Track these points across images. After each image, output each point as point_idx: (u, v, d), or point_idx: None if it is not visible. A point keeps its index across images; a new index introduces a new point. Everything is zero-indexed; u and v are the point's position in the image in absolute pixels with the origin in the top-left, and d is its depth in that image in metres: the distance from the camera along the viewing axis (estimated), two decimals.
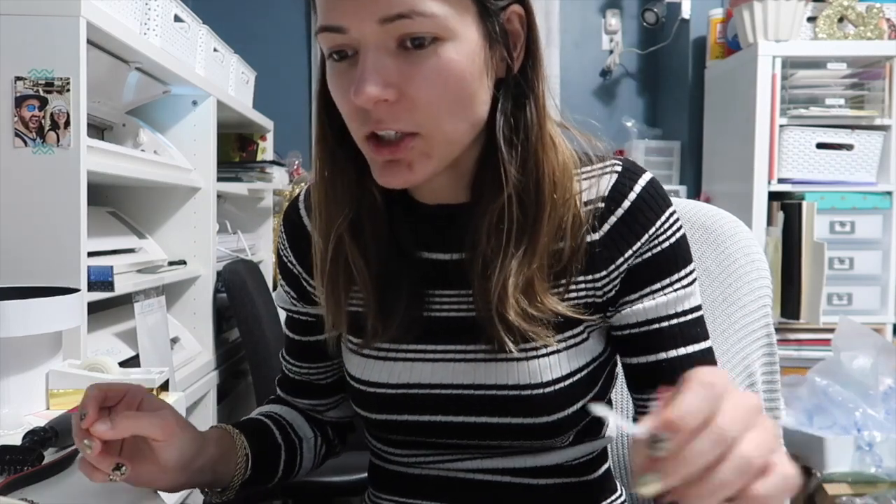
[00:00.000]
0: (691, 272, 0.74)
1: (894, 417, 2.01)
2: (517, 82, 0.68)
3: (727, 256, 0.94)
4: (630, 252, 0.72)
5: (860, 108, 2.38)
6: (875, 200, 2.38)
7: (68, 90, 1.21)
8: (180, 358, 1.79)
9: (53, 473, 0.76)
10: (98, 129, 1.72)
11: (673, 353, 0.73)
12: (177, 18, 1.71)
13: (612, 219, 0.71)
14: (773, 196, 2.37)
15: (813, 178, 2.38)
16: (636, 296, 0.73)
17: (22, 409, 0.96)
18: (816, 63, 2.39)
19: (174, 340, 1.81)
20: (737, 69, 2.51)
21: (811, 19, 2.41)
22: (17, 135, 1.21)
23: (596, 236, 0.72)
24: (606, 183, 0.72)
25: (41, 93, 1.21)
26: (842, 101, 2.38)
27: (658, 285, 0.73)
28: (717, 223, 0.96)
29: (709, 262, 0.95)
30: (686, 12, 2.87)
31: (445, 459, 0.78)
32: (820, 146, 2.37)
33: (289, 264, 0.83)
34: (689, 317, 0.74)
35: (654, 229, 0.72)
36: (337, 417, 0.90)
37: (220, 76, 2.12)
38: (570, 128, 0.74)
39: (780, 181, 2.37)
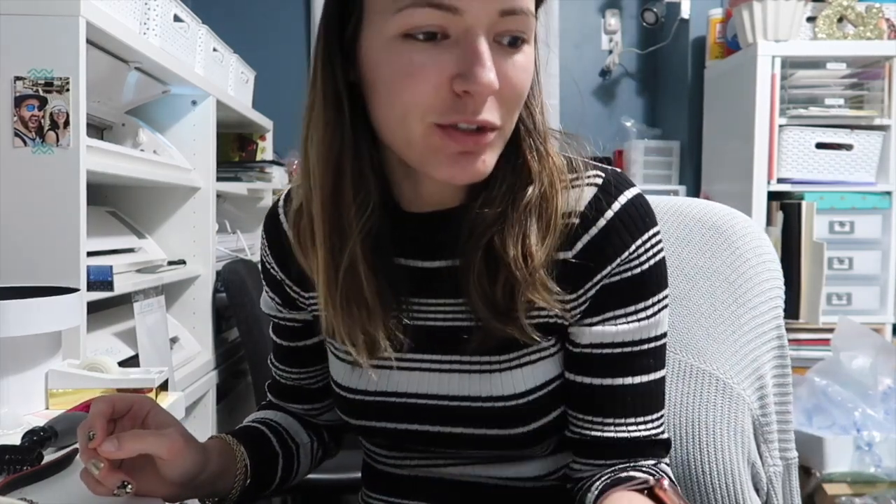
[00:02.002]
0: (662, 299, 0.72)
1: (893, 417, 2.01)
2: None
3: (738, 257, 0.91)
4: (601, 275, 0.69)
5: (859, 108, 2.38)
6: (874, 200, 2.38)
7: (68, 90, 1.21)
8: (180, 358, 1.79)
9: (53, 473, 0.76)
10: (97, 129, 1.72)
11: (620, 381, 0.71)
12: (176, 18, 1.71)
13: (586, 238, 0.69)
14: (772, 196, 2.37)
15: (812, 178, 2.38)
16: (598, 318, 0.70)
17: (21, 409, 0.96)
18: (816, 63, 2.39)
19: (173, 340, 1.81)
20: (736, 69, 2.51)
21: (811, 19, 2.41)
22: (16, 134, 1.21)
23: (569, 254, 0.69)
24: (584, 197, 0.69)
25: (41, 92, 1.21)
26: (841, 101, 2.38)
27: (622, 311, 0.70)
28: (727, 222, 0.93)
29: (718, 263, 0.91)
30: (685, 12, 2.87)
31: (431, 464, 0.78)
32: (819, 146, 2.37)
33: (271, 271, 0.82)
34: (648, 346, 0.71)
35: (627, 253, 0.69)
36: (331, 420, 0.89)
37: (219, 76, 2.12)
38: (560, 134, 0.73)
39: (780, 181, 2.37)
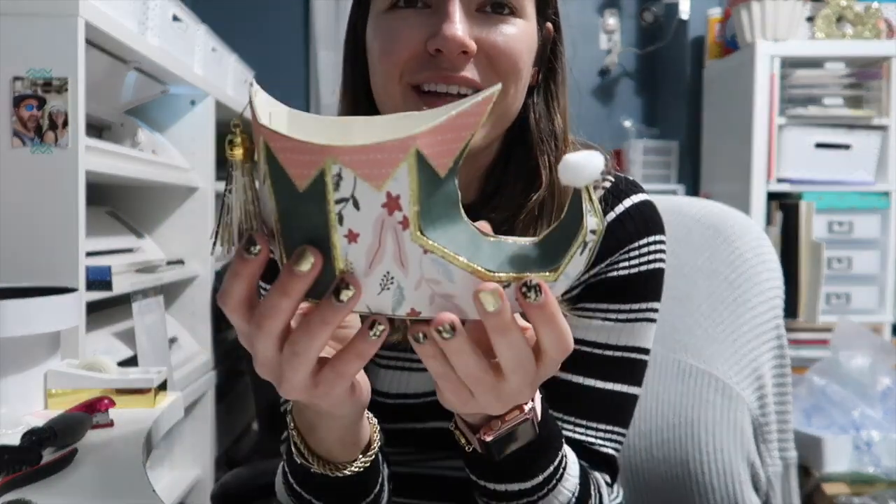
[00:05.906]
0: (645, 310, 0.70)
1: (892, 417, 2.01)
2: (546, 90, 0.71)
3: (737, 256, 0.92)
4: (588, 275, 0.69)
5: (858, 108, 2.38)
6: (873, 200, 2.38)
7: (66, 90, 1.21)
8: (178, 358, 1.79)
9: (52, 473, 0.76)
10: (96, 129, 1.72)
11: (569, 378, 0.69)
12: (175, 18, 1.70)
13: None
14: (771, 196, 2.37)
15: (811, 178, 2.38)
16: (571, 308, 0.70)
17: (20, 409, 0.96)
18: (815, 63, 2.39)
19: (172, 340, 1.80)
20: (735, 69, 2.51)
21: (809, 19, 2.42)
22: (15, 134, 1.20)
23: None
24: None
25: (39, 92, 1.21)
26: (840, 101, 2.38)
27: (593, 305, 0.70)
28: (726, 222, 0.94)
29: (718, 263, 0.92)
30: (684, 12, 2.88)
31: (436, 458, 0.78)
32: (818, 146, 2.37)
33: None
34: (613, 353, 0.69)
35: (618, 254, 0.69)
36: None
37: (218, 76, 2.12)
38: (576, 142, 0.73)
39: (779, 181, 2.37)
